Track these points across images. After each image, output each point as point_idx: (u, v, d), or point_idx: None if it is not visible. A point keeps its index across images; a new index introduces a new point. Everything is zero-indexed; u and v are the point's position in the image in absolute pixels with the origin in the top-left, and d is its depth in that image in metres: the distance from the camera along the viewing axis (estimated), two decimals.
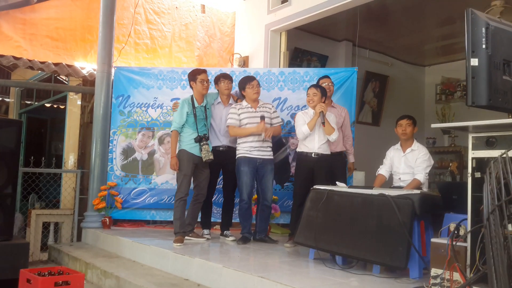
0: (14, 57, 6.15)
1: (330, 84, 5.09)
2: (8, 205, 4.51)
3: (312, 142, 4.64)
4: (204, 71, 4.96)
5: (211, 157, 4.71)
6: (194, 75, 4.90)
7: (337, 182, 4.11)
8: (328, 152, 4.72)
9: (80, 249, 5.43)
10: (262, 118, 4.73)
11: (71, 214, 6.19)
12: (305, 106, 5.26)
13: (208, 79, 4.95)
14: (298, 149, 4.79)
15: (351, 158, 5.29)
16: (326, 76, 5.18)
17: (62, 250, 5.40)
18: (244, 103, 4.90)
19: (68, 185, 6.38)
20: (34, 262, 5.58)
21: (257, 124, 4.73)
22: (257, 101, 4.91)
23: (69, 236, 6.11)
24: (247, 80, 4.90)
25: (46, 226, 6.11)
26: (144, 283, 3.74)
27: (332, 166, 4.87)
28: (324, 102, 4.61)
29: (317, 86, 4.76)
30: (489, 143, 2.65)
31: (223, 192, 5.20)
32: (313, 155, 4.62)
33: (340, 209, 3.75)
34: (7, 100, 9.78)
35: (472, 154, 2.72)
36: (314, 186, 4.15)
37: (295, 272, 3.51)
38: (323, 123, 4.50)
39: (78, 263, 4.88)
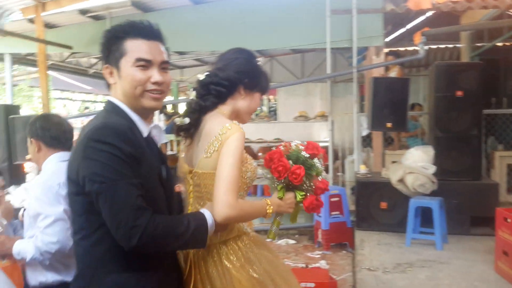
0: (467, 1, 6.12)
1: None
2: (475, 146, 4.66)
3: None
4: None
5: None
6: None
7: None
8: None
9: None
10: None
11: None
12: None
13: None
14: None
15: None
16: None
17: None
18: None
19: None
20: (501, 203, 5.56)
21: None
22: None
23: None
24: None
25: (511, 168, 5.98)
26: None
27: None
28: None
29: None
30: None
31: None
32: None
33: None
34: (458, 46, 9.93)
35: None
36: None
37: None
38: None
39: None
